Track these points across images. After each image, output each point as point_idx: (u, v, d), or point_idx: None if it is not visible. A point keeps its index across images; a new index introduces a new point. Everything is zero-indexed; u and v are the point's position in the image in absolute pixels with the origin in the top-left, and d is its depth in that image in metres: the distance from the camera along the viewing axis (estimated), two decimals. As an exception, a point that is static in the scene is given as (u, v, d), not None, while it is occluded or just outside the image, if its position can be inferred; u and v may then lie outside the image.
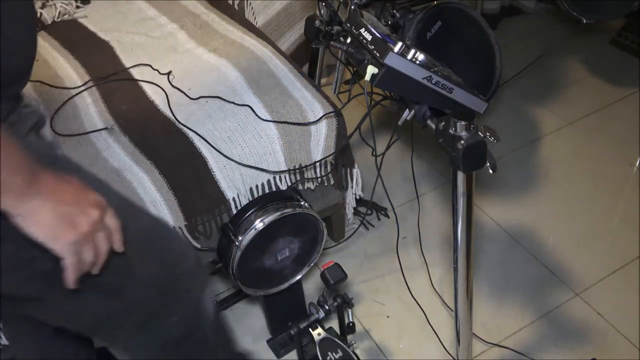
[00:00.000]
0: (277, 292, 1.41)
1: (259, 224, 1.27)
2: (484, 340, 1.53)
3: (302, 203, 1.34)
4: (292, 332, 1.37)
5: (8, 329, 1.11)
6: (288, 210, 1.29)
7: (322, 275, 1.36)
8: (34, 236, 0.65)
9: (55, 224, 0.66)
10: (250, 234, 1.27)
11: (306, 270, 1.41)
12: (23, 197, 0.64)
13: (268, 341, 1.57)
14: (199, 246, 1.42)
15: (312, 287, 1.67)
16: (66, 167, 0.81)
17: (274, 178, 1.42)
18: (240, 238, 1.27)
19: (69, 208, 0.67)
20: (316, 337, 1.40)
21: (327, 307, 1.40)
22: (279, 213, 1.28)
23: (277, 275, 1.39)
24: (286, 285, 1.40)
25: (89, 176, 0.84)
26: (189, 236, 1.39)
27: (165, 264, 0.92)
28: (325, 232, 1.40)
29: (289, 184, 1.44)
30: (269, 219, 1.28)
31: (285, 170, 1.43)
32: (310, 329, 1.41)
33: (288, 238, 1.35)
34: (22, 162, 0.64)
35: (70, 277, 0.70)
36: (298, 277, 1.41)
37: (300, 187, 1.50)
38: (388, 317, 1.62)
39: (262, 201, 1.33)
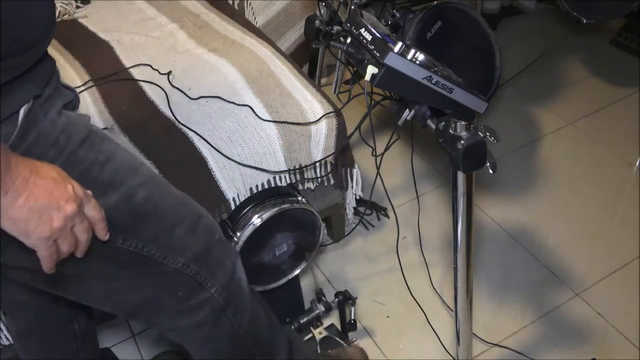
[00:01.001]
0: (275, 288, 1.41)
1: (256, 220, 1.28)
2: (484, 340, 1.53)
3: (300, 198, 1.34)
4: (293, 327, 1.37)
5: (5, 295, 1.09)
6: (285, 206, 1.29)
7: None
8: (6, 230, 0.65)
9: (27, 219, 0.66)
10: (249, 229, 1.27)
11: (304, 265, 1.41)
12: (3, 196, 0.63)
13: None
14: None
15: (309, 284, 1.67)
16: (98, 139, 0.83)
17: (274, 178, 1.42)
18: (238, 234, 1.27)
19: (42, 203, 0.66)
20: (317, 336, 1.41)
21: (324, 299, 1.40)
22: (276, 208, 1.29)
23: (275, 270, 1.40)
24: (285, 280, 1.41)
25: (120, 150, 0.86)
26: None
27: (198, 235, 0.95)
28: (323, 225, 1.40)
29: (289, 184, 1.44)
30: (266, 214, 1.28)
31: (285, 170, 1.43)
32: (311, 326, 1.41)
33: (286, 233, 1.35)
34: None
35: (45, 266, 0.71)
36: (296, 272, 1.42)
37: (300, 187, 1.50)
38: (388, 317, 1.62)
39: (260, 197, 1.33)
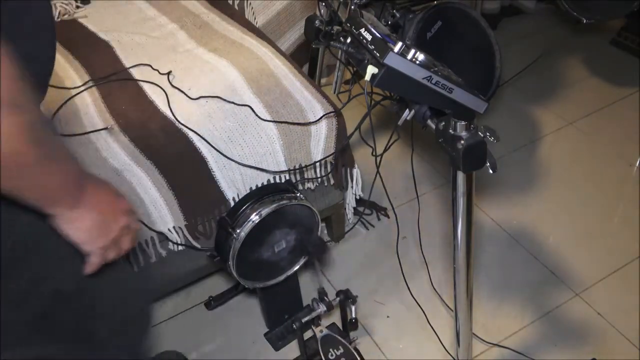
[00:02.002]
0: (274, 285, 1.41)
1: (255, 217, 1.28)
2: (484, 340, 1.53)
3: (298, 195, 1.34)
4: (294, 326, 1.37)
5: None
6: (284, 202, 1.29)
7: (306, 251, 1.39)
8: (70, 238, 0.72)
9: (91, 230, 0.73)
10: (248, 226, 1.27)
11: (303, 261, 1.42)
12: (70, 206, 0.70)
13: (265, 335, 1.58)
14: (199, 246, 1.42)
15: (307, 280, 1.67)
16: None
17: (274, 178, 1.42)
18: (238, 231, 1.27)
19: (105, 217, 0.74)
20: (318, 334, 1.41)
21: (327, 300, 1.41)
22: (275, 205, 1.29)
23: (274, 266, 1.40)
24: (284, 276, 1.41)
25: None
26: (189, 236, 1.39)
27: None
28: (320, 219, 1.40)
29: (287, 180, 1.44)
30: (265, 211, 1.28)
31: (285, 170, 1.43)
32: (312, 325, 1.41)
33: (284, 230, 1.36)
34: (75, 176, 0.71)
35: (89, 270, 0.78)
36: (296, 268, 1.42)
37: (300, 187, 1.50)
38: (388, 317, 1.62)
39: (258, 194, 1.33)
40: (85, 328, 0.89)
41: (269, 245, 1.35)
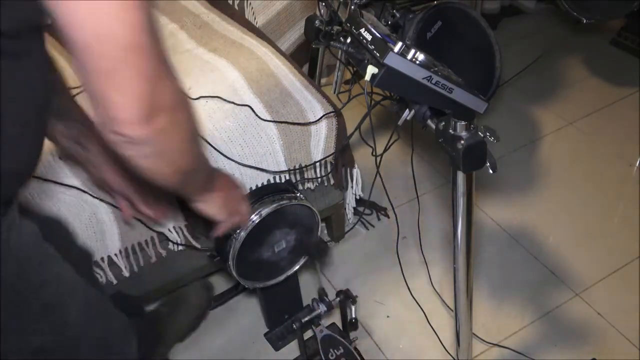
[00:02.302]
0: (274, 285, 1.41)
1: (255, 217, 1.28)
2: (484, 340, 1.53)
3: (298, 195, 1.34)
4: (294, 326, 1.37)
5: None
6: (284, 202, 1.29)
7: (308, 253, 1.40)
8: (206, 213, 1.06)
9: (220, 206, 1.08)
10: (248, 226, 1.27)
11: (303, 261, 1.42)
12: (206, 191, 1.02)
13: (265, 335, 1.58)
14: (199, 246, 1.42)
15: (307, 280, 1.67)
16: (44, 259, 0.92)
17: (274, 178, 1.42)
18: (237, 231, 1.27)
19: (228, 197, 1.09)
20: (318, 334, 1.41)
21: (327, 300, 1.41)
22: (275, 205, 1.29)
23: (274, 266, 1.40)
24: (284, 276, 1.41)
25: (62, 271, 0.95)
26: (189, 236, 1.39)
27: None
28: (320, 219, 1.40)
29: (287, 180, 1.44)
30: (265, 211, 1.28)
31: (285, 171, 1.43)
32: (312, 325, 1.41)
33: (284, 230, 1.35)
34: (210, 173, 1.02)
35: (219, 231, 1.15)
36: (296, 268, 1.42)
37: (300, 187, 1.50)
38: (388, 317, 1.62)
39: (258, 194, 1.33)
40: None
41: (269, 245, 1.35)
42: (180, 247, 1.40)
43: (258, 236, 1.31)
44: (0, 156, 0.72)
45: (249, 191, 1.40)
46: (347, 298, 1.42)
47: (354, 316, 1.46)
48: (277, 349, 1.55)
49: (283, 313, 1.57)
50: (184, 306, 1.52)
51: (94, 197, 1.25)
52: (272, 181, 1.42)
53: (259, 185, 1.41)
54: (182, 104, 0.79)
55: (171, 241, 1.37)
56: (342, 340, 1.43)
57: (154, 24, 0.73)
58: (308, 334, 1.50)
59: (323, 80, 2.03)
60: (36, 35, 0.74)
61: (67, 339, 0.94)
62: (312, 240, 1.41)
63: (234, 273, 1.30)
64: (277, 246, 1.36)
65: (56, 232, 1.16)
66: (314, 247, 1.42)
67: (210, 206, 1.06)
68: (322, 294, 1.41)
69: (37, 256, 0.86)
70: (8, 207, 0.80)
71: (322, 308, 1.41)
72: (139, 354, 1.18)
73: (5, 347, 0.85)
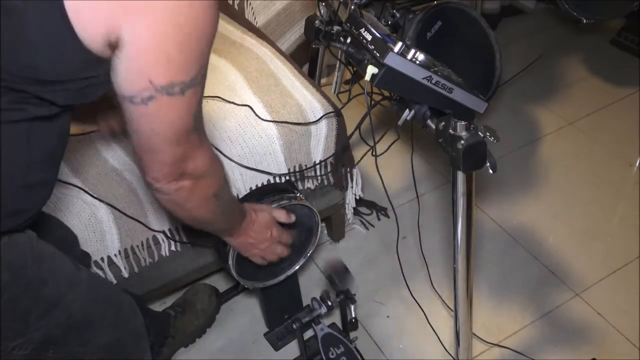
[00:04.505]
0: (274, 285, 1.41)
1: None
2: (484, 340, 1.53)
3: (298, 195, 1.34)
4: (295, 326, 1.37)
5: None
6: (284, 202, 1.29)
7: (330, 279, 1.39)
8: (239, 250, 1.21)
9: (245, 247, 1.19)
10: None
11: (303, 261, 1.42)
12: (235, 235, 1.14)
13: (265, 334, 1.58)
14: (198, 246, 1.42)
15: (307, 280, 1.67)
16: (43, 257, 0.95)
17: (274, 178, 1.42)
18: None
19: (253, 241, 1.18)
20: (319, 332, 1.41)
21: (329, 304, 1.41)
22: (275, 205, 1.29)
23: (274, 266, 1.40)
24: (283, 276, 1.41)
25: (60, 265, 0.98)
26: (183, 235, 1.39)
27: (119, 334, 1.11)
28: (320, 219, 1.40)
29: (287, 180, 1.44)
30: None
31: (285, 173, 1.43)
32: (313, 324, 1.41)
33: (284, 229, 1.35)
34: (238, 222, 1.12)
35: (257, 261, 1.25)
36: (296, 268, 1.42)
37: (300, 186, 1.50)
38: (388, 317, 1.62)
39: (258, 194, 1.33)
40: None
41: None
42: (180, 247, 1.40)
43: None
44: (31, 197, 0.83)
45: (248, 191, 1.40)
46: (347, 298, 1.42)
47: (354, 316, 1.46)
48: (277, 349, 1.55)
49: (283, 313, 1.57)
50: (190, 311, 1.53)
51: (93, 197, 1.25)
52: (272, 181, 1.42)
53: (259, 185, 1.41)
54: (208, 172, 0.91)
55: (171, 240, 1.37)
56: (343, 339, 1.43)
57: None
58: (308, 334, 1.50)
59: (323, 80, 2.03)
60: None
61: (74, 325, 0.96)
62: (334, 266, 1.43)
63: (234, 273, 1.30)
64: None
65: (53, 226, 1.17)
66: (337, 275, 1.43)
67: (236, 245, 1.18)
68: (324, 296, 1.41)
69: (32, 259, 0.88)
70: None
71: (322, 308, 1.41)
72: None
73: (6, 345, 0.86)
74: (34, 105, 0.75)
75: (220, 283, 1.69)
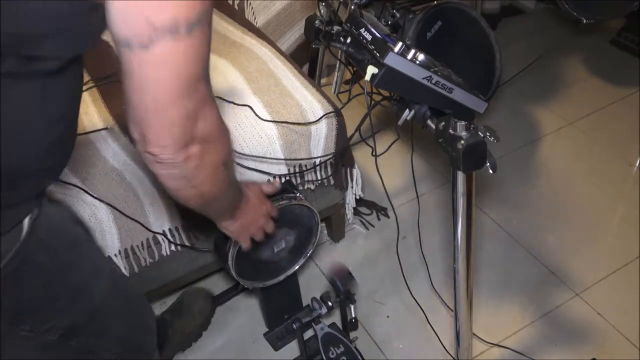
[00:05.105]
0: (274, 285, 1.41)
1: None
2: (484, 340, 1.53)
3: (297, 195, 1.34)
4: (295, 326, 1.37)
5: None
6: (284, 202, 1.29)
7: (332, 282, 1.39)
8: (227, 233, 1.10)
9: (238, 231, 1.10)
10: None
11: (303, 261, 1.42)
12: (230, 217, 1.05)
13: (265, 334, 1.58)
14: (197, 247, 1.42)
15: (306, 280, 1.67)
16: (78, 242, 0.96)
17: (274, 178, 1.42)
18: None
19: (247, 224, 1.10)
20: (319, 332, 1.41)
21: (329, 304, 1.41)
22: (275, 205, 1.29)
23: (274, 266, 1.40)
24: (283, 276, 1.41)
25: (91, 252, 0.98)
26: (183, 235, 1.39)
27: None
28: (320, 219, 1.40)
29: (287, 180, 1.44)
30: None
31: (285, 173, 1.43)
32: (313, 324, 1.42)
33: (284, 229, 1.35)
34: (234, 205, 1.03)
35: (245, 247, 1.17)
36: (296, 268, 1.42)
37: (300, 187, 1.50)
38: (388, 317, 1.62)
39: None
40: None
41: (269, 246, 1.35)
42: (179, 248, 1.40)
43: None
44: (57, 152, 0.77)
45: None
46: (347, 298, 1.42)
47: (354, 316, 1.46)
48: (276, 349, 1.55)
49: (283, 313, 1.57)
50: (186, 314, 1.54)
51: (93, 197, 1.25)
52: (271, 181, 1.42)
53: (259, 185, 1.41)
54: (218, 135, 0.80)
55: (170, 241, 1.37)
56: (343, 338, 1.43)
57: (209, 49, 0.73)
58: (309, 334, 1.50)
59: (323, 80, 2.03)
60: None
61: (96, 315, 0.96)
62: (339, 272, 1.43)
63: (234, 273, 1.30)
64: (276, 246, 1.36)
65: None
66: (342, 280, 1.43)
67: (230, 230, 1.09)
68: (325, 296, 1.42)
69: (66, 241, 0.88)
70: (41, 198, 0.82)
71: (323, 308, 1.41)
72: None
73: (39, 328, 0.86)
74: (38, 61, 0.68)
75: (220, 283, 1.70)
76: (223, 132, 0.82)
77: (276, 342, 1.56)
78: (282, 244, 1.37)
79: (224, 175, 0.87)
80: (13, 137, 0.69)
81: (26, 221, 0.77)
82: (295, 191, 1.36)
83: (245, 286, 1.37)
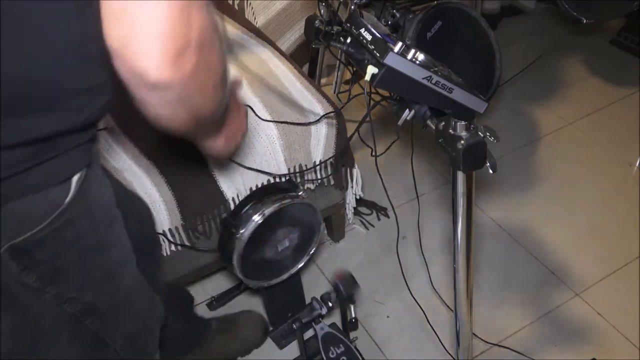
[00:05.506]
0: (277, 284, 1.42)
1: (259, 216, 1.28)
2: (484, 340, 1.53)
3: (300, 193, 1.35)
4: (295, 326, 1.38)
5: None
6: (286, 201, 1.30)
7: (336, 287, 1.38)
8: (208, 151, 0.98)
9: (225, 146, 0.98)
10: (251, 226, 1.28)
11: (306, 259, 1.42)
12: (214, 138, 0.94)
13: (269, 333, 1.58)
14: (197, 246, 1.42)
15: (307, 280, 1.67)
16: (117, 221, 0.92)
17: (274, 178, 1.42)
18: (242, 231, 1.27)
19: (234, 132, 0.99)
20: (319, 331, 1.41)
21: (330, 304, 1.41)
22: (277, 204, 1.29)
23: (277, 265, 1.40)
24: (287, 275, 1.41)
25: (124, 235, 0.94)
26: (185, 237, 1.39)
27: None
28: (321, 218, 1.40)
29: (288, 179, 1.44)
30: (268, 210, 1.28)
31: (285, 173, 1.43)
32: (313, 324, 1.42)
33: (287, 228, 1.36)
34: (220, 125, 0.93)
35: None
36: (299, 266, 1.42)
37: (300, 187, 1.50)
38: (388, 317, 1.62)
39: (260, 194, 1.33)
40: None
41: (272, 245, 1.35)
42: (180, 248, 1.40)
43: (261, 236, 1.32)
44: (92, 75, 0.70)
45: (248, 191, 1.40)
46: (347, 298, 1.42)
47: (354, 316, 1.46)
48: (281, 347, 1.55)
49: (286, 312, 1.57)
50: (231, 333, 1.52)
51: (94, 197, 1.25)
52: (272, 181, 1.42)
53: (259, 185, 1.41)
54: (214, 38, 0.68)
55: (170, 241, 1.37)
56: (343, 338, 1.43)
57: None
58: (309, 333, 1.50)
59: (323, 80, 2.03)
60: None
61: (116, 305, 0.94)
62: (341, 275, 1.42)
63: (239, 273, 1.30)
64: (280, 245, 1.37)
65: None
66: (343, 283, 1.42)
67: (217, 147, 0.97)
68: (326, 297, 1.42)
69: (108, 218, 0.87)
70: (92, 148, 0.80)
71: (323, 308, 1.41)
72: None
73: (62, 294, 0.85)
74: None
75: (220, 283, 1.70)
76: (219, 36, 0.70)
77: (280, 340, 1.56)
78: (286, 243, 1.37)
79: (222, 90, 0.77)
80: (46, 47, 0.65)
81: (74, 180, 0.76)
82: (297, 190, 1.37)
83: (250, 286, 1.38)
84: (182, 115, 0.74)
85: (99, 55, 0.68)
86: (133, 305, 1.00)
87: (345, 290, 1.39)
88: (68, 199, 0.75)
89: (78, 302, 0.87)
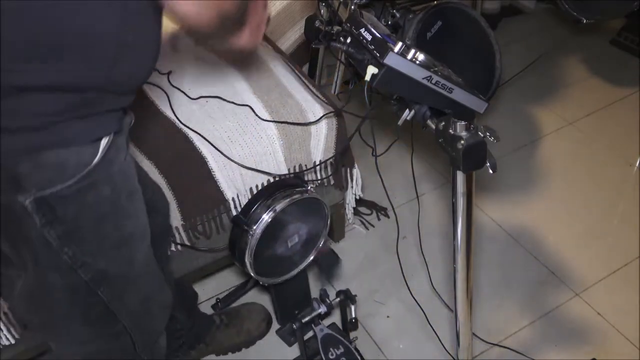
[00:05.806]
0: (285, 281, 1.42)
1: (270, 213, 1.28)
2: (484, 340, 1.53)
3: (308, 188, 1.35)
4: (294, 326, 1.38)
5: None
6: (296, 197, 1.30)
7: (316, 262, 1.39)
8: (235, 49, 0.94)
9: (247, 43, 0.94)
10: (263, 222, 1.28)
11: (315, 254, 1.42)
12: (237, 34, 0.91)
13: (277, 331, 1.58)
14: (198, 246, 1.42)
15: (313, 278, 1.67)
16: (137, 194, 0.94)
17: (274, 178, 1.42)
18: (254, 227, 1.28)
19: (254, 30, 0.95)
20: (318, 333, 1.41)
21: (328, 302, 1.41)
22: (287, 200, 1.30)
23: (287, 261, 1.41)
24: (298, 270, 1.42)
25: (142, 210, 0.95)
26: (183, 235, 1.39)
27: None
28: (330, 212, 1.41)
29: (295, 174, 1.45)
30: (279, 206, 1.29)
31: (285, 173, 1.43)
32: (312, 324, 1.42)
33: (297, 224, 1.36)
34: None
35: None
36: (309, 261, 1.43)
37: (307, 182, 1.50)
38: (388, 317, 1.62)
39: (269, 190, 1.34)
40: None
41: (283, 240, 1.36)
42: (180, 248, 1.40)
43: (272, 232, 1.32)
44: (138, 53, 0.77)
45: (248, 191, 1.40)
46: (347, 298, 1.42)
47: (354, 316, 1.46)
48: (290, 344, 1.55)
49: (294, 309, 1.57)
50: (235, 326, 1.53)
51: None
52: (272, 181, 1.42)
53: (259, 185, 1.41)
54: None
55: (171, 242, 1.37)
56: (343, 339, 1.43)
57: None
58: (310, 333, 1.50)
59: (323, 81, 2.03)
60: None
61: (127, 276, 0.96)
62: (322, 250, 1.42)
63: (251, 271, 1.30)
64: (290, 240, 1.37)
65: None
66: (324, 258, 1.42)
67: (242, 42, 0.97)
68: (323, 295, 1.42)
69: (130, 189, 0.89)
70: (123, 119, 0.84)
71: (322, 308, 1.41)
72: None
73: (78, 257, 0.87)
74: None
75: (224, 281, 1.70)
76: None
77: (289, 338, 1.56)
78: (295, 238, 1.38)
79: None
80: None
81: (102, 144, 0.79)
82: (306, 185, 1.37)
83: (261, 282, 1.38)
84: (207, 13, 0.79)
85: (138, 12, 0.74)
86: (144, 283, 1.01)
87: (325, 264, 1.39)
88: (96, 160, 0.79)
89: (91, 269, 0.88)
